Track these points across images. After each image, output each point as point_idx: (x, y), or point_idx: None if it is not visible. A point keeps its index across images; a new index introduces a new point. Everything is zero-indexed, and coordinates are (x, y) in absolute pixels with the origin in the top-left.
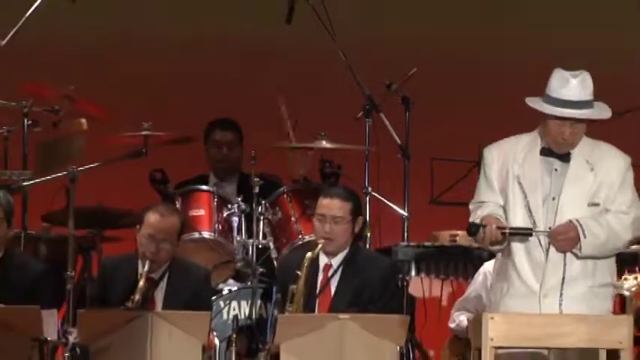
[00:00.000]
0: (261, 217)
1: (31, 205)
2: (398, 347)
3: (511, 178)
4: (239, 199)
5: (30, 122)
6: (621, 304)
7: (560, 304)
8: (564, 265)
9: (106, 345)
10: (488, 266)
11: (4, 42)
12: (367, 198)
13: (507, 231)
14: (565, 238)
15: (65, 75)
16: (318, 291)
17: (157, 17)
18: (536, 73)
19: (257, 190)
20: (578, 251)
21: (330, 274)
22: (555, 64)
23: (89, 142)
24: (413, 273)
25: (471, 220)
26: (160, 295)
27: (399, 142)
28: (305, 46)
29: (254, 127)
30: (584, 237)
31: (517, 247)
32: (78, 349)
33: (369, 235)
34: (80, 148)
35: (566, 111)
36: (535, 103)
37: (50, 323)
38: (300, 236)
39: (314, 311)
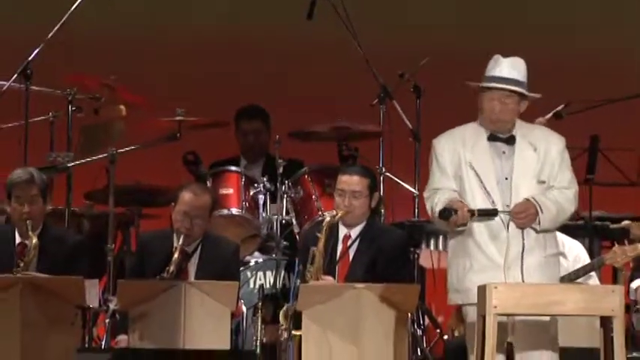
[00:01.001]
0: (285, 196)
1: (75, 184)
2: (409, 314)
3: (464, 164)
4: (264, 178)
5: (74, 109)
6: (613, 276)
7: (522, 274)
8: (522, 238)
9: (143, 312)
10: None
11: (50, 35)
12: (381, 178)
13: (477, 213)
14: (526, 215)
15: (106, 65)
16: (337, 258)
17: (192, 12)
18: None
19: (281, 170)
20: (537, 225)
21: (348, 244)
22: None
23: (128, 126)
24: (423, 246)
25: (428, 206)
26: (192, 266)
27: (410, 126)
28: (325, 39)
29: (280, 111)
30: (542, 212)
31: (478, 226)
32: (117, 316)
33: (383, 211)
34: (119, 132)
35: (492, 84)
36: (472, 84)
37: (92, 292)
38: (320, 213)
39: (334, 277)
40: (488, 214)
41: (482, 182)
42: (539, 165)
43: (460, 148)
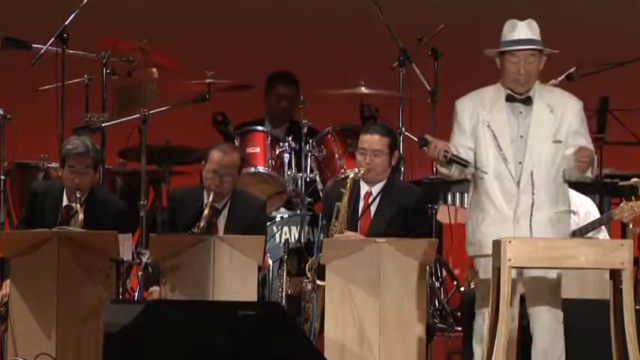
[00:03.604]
0: (309, 154)
1: (109, 143)
2: (428, 267)
3: (481, 123)
4: (289, 138)
5: (108, 71)
6: (622, 230)
7: (531, 228)
8: (532, 193)
9: (174, 265)
10: None
11: (85, 1)
12: (401, 137)
13: (449, 156)
14: (590, 159)
15: (139, 30)
16: (360, 214)
17: None
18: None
19: (305, 130)
20: (590, 173)
21: (370, 200)
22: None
23: (159, 88)
24: (440, 202)
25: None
26: (222, 221)
27: (429, 88)
28: (348, 6)
29: (304, 75)
30: (594, 161)
31: (491, 182)
32: (150, 268)
33: (402, 169)
34: (152, 94)
35: (515, 47)
36: (491, 51)
37: (126, 246)
38: (343, 170)
39: (357, 231)
40: (460, 163)
41: (496, 140)
42: (555, 125)
43: (479, 109)
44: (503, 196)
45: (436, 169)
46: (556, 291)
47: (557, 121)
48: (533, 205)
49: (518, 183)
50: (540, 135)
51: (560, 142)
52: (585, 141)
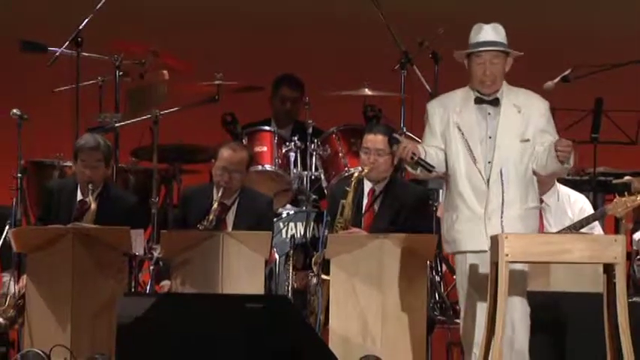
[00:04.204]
0: (314, 153)
1: (122, 143)
2: (428, 261)
3: (451, 125)
4: (295, 138)
5: (121, 73)
6: (615, 226)
7: (502, 224)
8: (502, 191)
9: (184, 260)
10: None
11: (99, 5)
12: (403, 137)
13: (416, 158)
14: (570, 149)
15: (150, 33)
16: (363, 211)
17: None
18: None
19: (310, 130)
20: (568, 164)
21: (373, 198)
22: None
23: (170, 89)
24: (441, 199)
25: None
26: (230, 218)
27: (429, 90)
28: (352, 10)
29: (309, 77)
30: (572, 152)
31: (461, 180)
32: (161, 263)
33: (405, 168)
34: (163, 95)
35: (480, 48)
36: (459, 54)
37: (138, 241)
38: (347, 169)
39: (360, 227)
40: (424, 166)
41: (466, 141)
42: (523, 125)
43: (450, 111)
44: (474, 194)
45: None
46: (524, 282)
47: (525, 120)
48: (503, 202)
49: (487, 182)
50: (508, 134)
51: (527, 140)
52: (553, 138)
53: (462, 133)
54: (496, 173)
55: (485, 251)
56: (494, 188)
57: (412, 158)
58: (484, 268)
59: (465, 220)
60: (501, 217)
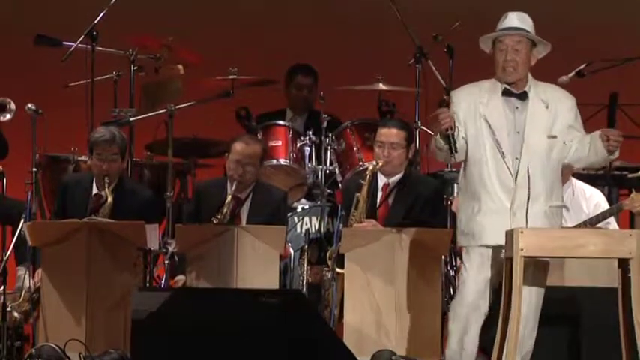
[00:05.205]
0: (328, 148)
1: (137, 137)
2: (443, 255)
3: (478, 116)
4: (310, 132)
5: (136, 68)
6: (630, 221)
7: (527, 220)
8: (529, 187)
9: (199, 254)
10: None
11: (113, 1)
12: (417, 131)
13: (450, 132)
14: (621, 139)
15: (165, 27)
16: (378, 205)
17: None
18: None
19: (325, 124)
20: (613, 154)
21: (387, 192)
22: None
23: (185, 84)
24: (455, 193)
25: (432, 141)
26: (245, 212)
27: (444, 84)
28: (367, 5)
29: (325, 71)
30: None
31: (487, 172)
32: (176, 257)
33: (419, 162)
34: (177, 90)
35: (502, 33)
36: (485, 38)
37: (153, 236)
38: (361, 163)
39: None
40: (452, 145)
41: (494, 134)
42: (550, 121)
43: (477, 101)
44: (501, 189)
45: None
46: (542, 275)
47: (552, 116)
48: (529, 199)
49: (515, 178)
50: (536, 130)
51: (554, 137)
52: (580, 134)
53: (490, 126)
54: (524, 169)
55: (502, 247)
56: (522, 184)
57: (447, 130)
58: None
59: (490, 213)
60: (526, 214)
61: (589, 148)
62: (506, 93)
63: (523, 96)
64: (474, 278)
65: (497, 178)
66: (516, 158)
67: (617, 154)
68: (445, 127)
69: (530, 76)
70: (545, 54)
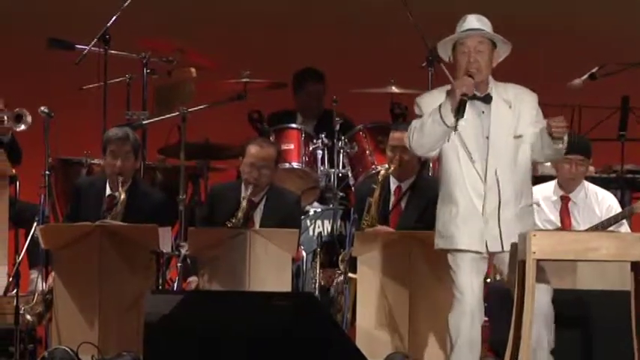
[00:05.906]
0: (341, 151)
1: (150, 140)
2: None
3: None
4: (322, 135)
5: (148, 71)
6: None
7: (499, 226)
8: (499, 192)
9: (211, 257)
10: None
11: (126, 3)
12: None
13: (466, 98)
14: (564, 124)
15: (178, 30)
16: (390, 209)
17: None
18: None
19: (338, 127)
20: (563, 143)
21: (400, 195)
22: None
23: (198, 87)
24: None
25: (411, 132)
26: (258, 215)
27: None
28: (379, 8)
29: (337, 74)
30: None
31: (461, 178)
32: (188, 260)
33: (431, 165)
34: (190, 93)
35: (463, 34)
36: (445, 42)
37: (165, 238)
38: (374, 166)
39: (387, 225)
40: (461, 111)
41: (463, 141)
42: (515, 120)
43: None
44: (473, 193)
45: None
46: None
47: (516, 116)
48: (500, 204)
49: (485, 182)
50: (502, 133)
51: (520, 136)
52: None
53: (459, 132)
54: (492, 173)
55: (480, 253)
56: (491, 189)
57: (463, 95)
58: (478, 270)
59: (466, 217)
60: (498, 219)
61: (541, 139)
62: (471, 97)
63: (487, 99)
64: (470, 284)
65: (470, 184)
66: (485, 162)
67: (565, 142)
68: (464, 92)
69: (490, 78)
70: (505, 56)
